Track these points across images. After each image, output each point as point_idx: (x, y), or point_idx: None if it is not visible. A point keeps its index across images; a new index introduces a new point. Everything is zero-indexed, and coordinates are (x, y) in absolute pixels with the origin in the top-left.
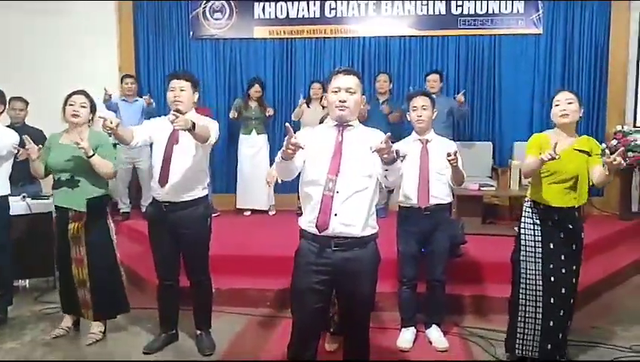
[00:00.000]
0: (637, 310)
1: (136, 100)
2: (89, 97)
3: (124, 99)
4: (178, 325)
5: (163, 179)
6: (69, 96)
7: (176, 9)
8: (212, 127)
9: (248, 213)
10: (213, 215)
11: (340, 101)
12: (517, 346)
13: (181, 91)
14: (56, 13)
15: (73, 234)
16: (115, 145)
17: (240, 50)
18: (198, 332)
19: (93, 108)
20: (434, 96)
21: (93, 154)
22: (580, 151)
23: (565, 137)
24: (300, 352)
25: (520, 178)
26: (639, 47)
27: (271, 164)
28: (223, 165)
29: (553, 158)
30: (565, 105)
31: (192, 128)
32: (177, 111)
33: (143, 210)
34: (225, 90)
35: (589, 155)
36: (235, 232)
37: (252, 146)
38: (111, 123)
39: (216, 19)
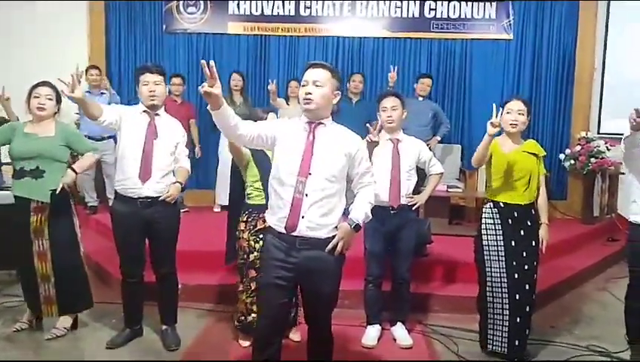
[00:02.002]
0: (594, 311)
1: (103, 93)
2: (54, 88)
3: (88, 91)
4: (143, 320)
5: (145, 175)
6: (34, 87)
7: (149, 3)
8: (186, 163)
9: (218, 208)
10: (183, 211)
11: (305, 93)
12: (488, 342)
13: (156, 85)
14: (25, 3)
15: (35, 226)
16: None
17: (214, 46)
18: (164, 327)
19: (58, 100)
20: (420, 99)
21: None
22: (529, 153)
23: (513, 143)
24: (265, 347)
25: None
26: (604, 56)
27: None
28: (200, 161)
29: (497, 125)
30: (516, 115)
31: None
32: (153, 106)
33: (110, 203)
34: (197, 85)
35: (537, 157)
36: (203, 228)
37: None
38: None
39: (190, 14)
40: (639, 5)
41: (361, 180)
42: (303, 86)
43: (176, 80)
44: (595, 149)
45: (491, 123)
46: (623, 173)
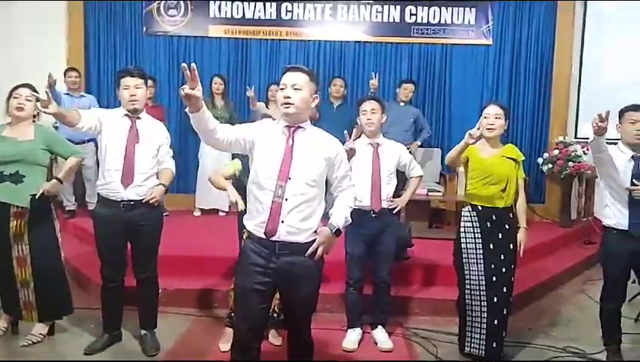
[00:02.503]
0: (572, 313)
1: (83, 96)
2: (35, 91)
3: (67, 93)
4: (123, 325)
5: (127, 180)
6: (14, 89)
7: (129, 4)
8: (170, 164)
9: (198, 213)
10: (164, 214)
11: (284, 97)
12: (466, 345)
13: (137, 89)
14: (2, 3)
15: (15, 232)
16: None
17: (194, 48)
18: (143, 332)
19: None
20: (402, 104)
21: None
22: (507, 157)
23: (491, 148)
24: (244, 352)
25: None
26: (581, 62)
27: None
28: (179, 165)
29: (475, 138)
30: (493, 119)
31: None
32: (134, 110)
33: (90, 207)
34: (178, 88)
35: (516, 161)
36: (184, 233)
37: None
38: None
39: (171, 16)
40: (615, 12)
41: (341, 184)
42: (282, 89)
43: (148, 82)
44: (573, 153)
45: (470, 134)
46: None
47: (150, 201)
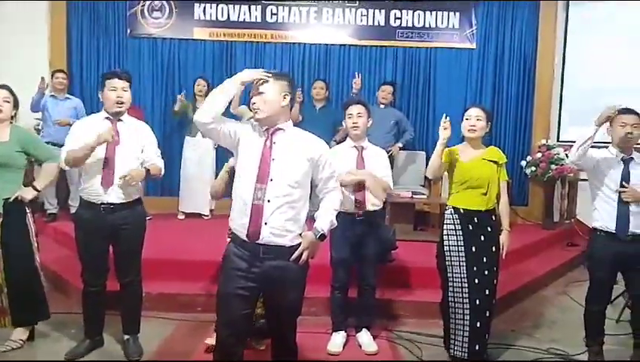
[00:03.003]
0: (554, 315)
1: (68, 98)
2: (12, 92)
3: (53, 95)
4: (105, 330)
5: (107, 182)
6: None
7: (112, 6)
8: (158, 162)
9: (182, 216)
10: (147, 218)
11: (252, 104)
12: (450, 347)
13: (123, 91)
14: None
15: None
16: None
17: (179, 51)
18: (126, 337)
19: (16, 104)
20: (382, 106)
21: None
22: (488, 160)
23: (473, 150)
24: (226, 357)
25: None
26: (563, 66)
27: (216, 169)
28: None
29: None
30: (474, 121)
31: (147, 175)
32: (118, 113)
33: (72, 210)
34: (162, 91)
35: (497, 164)
36: (167, 236)
37: (196, 149)
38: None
39: (155, 19)
40: (596, 17)
41: (326, 185)
42: (253, 95)
43: None
44: (555, 156)
45: (443, 126)
46: (585, 180)
47: (126, 179)
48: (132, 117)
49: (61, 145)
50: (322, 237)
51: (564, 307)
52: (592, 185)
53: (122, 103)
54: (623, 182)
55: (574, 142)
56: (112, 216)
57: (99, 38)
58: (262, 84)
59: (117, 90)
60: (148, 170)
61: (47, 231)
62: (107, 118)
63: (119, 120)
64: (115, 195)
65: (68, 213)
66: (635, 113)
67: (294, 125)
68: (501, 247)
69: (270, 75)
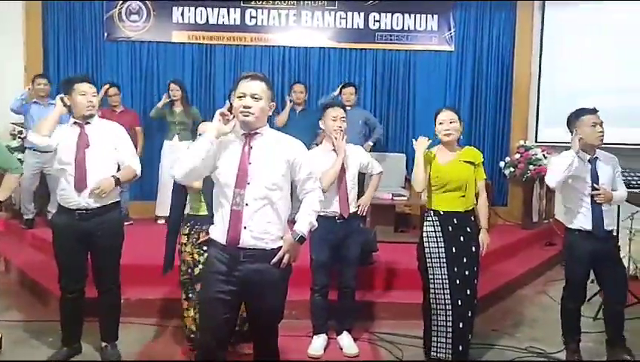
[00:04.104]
0: (534, 313)
1: (51, 104)
2: None
3: (36, 102)
4: (83, 337)
5: (80, 185)
6: None
7: (89, 9)
8: (133, 162)
9: (162, 221)
10: (127, 223)
11: (244, 107)
12: (432, 349)
13: (93, 96)
14: None
15: None
16: (24, 148)
17: (157, 54)
18: (104, 344)
19: None
20: (349, 108)
21: None
22: (465, 161)
23: (450, 152)
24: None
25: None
26: (540, 68)
27: None
28: (144, 172)
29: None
30: (448, 125)
31: (117, 183)
32: (89, 116)
33: (49, 217)
34: (141, 94)
35: (474, 164)
36: (147, 241)
37: (174, 153)
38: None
39: (133, 22)
40: (572, 19)
41: (304, 187)
42: (240, 98)
43: (112, 90)
44: (533, 157)
45: (419, 141)
46: None
47: (95, 192)
48: (121, 121)
49: (43, 152)
50: (302, 239)
51: (543, 306)
52: (563, 188)
53: (93, 107)
54: (594, 184)
55: (551, 142)
56: (88, 221)
57: (76, 42)
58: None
59: (87, 95)
60: (118, 179)
61: (26, 238)
62: (75, 122)
63: (87, 123)
64: (90, 200)
65: (45, 218)
66: (596, 110)
67: (279, 129)
68: (481, 245)
69: (265, 79)
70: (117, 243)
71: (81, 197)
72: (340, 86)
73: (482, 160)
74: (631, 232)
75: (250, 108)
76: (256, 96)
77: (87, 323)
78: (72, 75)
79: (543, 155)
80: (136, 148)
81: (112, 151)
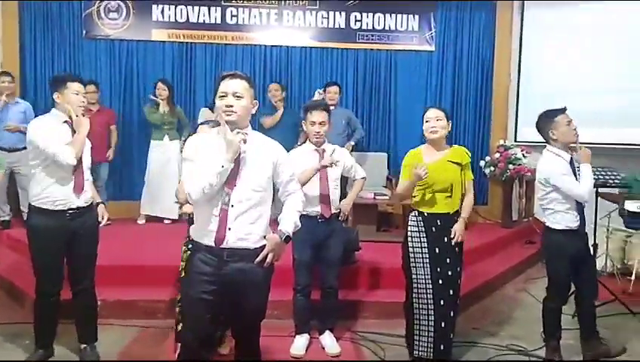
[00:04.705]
0: (513, 312)
1: (17, 102)
2: None
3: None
4: (60, 339)
5: (79, 188)
6: None
7: (67, 7)
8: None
9: (142, 221)
10: (105, 222)
11: (226, 106)
12: (415, 348)
13: (84, 96)
14: None
15: None
16: None
17: (137, 53)
18: (82, 346)
19: None
20: (332, 107)
21: None
22: (452, 162)
23: (436, 151)
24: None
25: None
26: (519, 68)
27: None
28: (123, 172)
29: (420, 178)
30: (434, 122)
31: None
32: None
33: (25, 217)
34: (120, 93)
35: (461, 165)
36: (126, 241)
37: (163, 153)
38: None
39: (112, 20)
40: (551, 20)
41: (287, 188)
42: (222, 97)
43: (90, 87)
44: (513, 156)
45: (416, 173)
46: None
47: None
48: (99, 119)
49: (11, 150)
50: (287, 239)
51: (523, 303)
52: (554, 193)
53: (84, 107)
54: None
55: (531, 142)
56: (75, 221)
57: (53, 40)
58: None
59: (79, 95)
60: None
61: (1, 239)
62: (66, 121)
63: None
64: (83, 199)
65: (21, 219)
66: (565, 109)
67: (263, 131)
68: (452, 232)
69: (246, 78)
70: (95, 242)
71: (79, 198)
72: (324, 85)
73: (470, 160)
74: (608, 230)
75: (232, 106)
76: (237, 95)
77: (62, 324)
78: (49, 73)
79: (523, 155)
80: (111, 147)
81: (88, 150)
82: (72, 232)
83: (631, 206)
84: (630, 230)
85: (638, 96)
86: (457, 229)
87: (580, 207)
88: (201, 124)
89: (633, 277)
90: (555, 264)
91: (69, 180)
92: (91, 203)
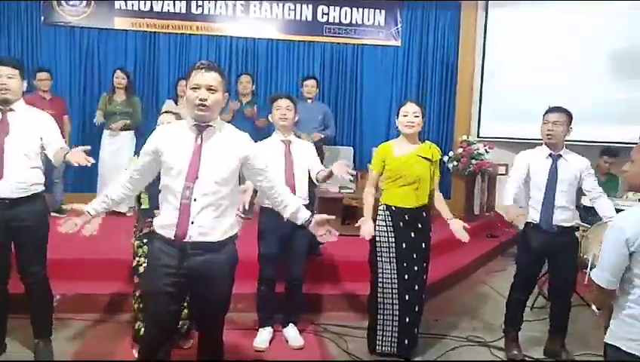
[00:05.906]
0: (474, 304)
1: None
2: None
3: None
4: (14, 334)
5: None
6: None
7: None
8: (57, 140)
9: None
10: (63, 216)
11: (199, 100)
12: (377, 343)
13: (8, 79)
14: None
15: None
16: None
17: (98, 41)
18: (36, 341)
19: None
20: (309, 101)
21: None
22: (422, 157)
23: (409, 144)
24: (152, 354)
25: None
26: (483, 64)
27: None
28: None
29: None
30: (412, 117)
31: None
32: (5, 101)
33: None
34: (80, 81)
35: (431, 161)
36: (82, 235)
37: (114, 143)
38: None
39: (72, 6)
40: (514, 18)
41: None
42: (195, 89)
43: (42, 75)
44: (476, 152)
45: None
46: (503, 175)
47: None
48: (49, 108)
49: None
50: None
51: (484, 296)
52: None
53: (7, 90)
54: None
55: (493, 138)
56: (9, 211)
57: (9, 26)
58: None
59: (1, 78)
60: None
61: None
62: None
63: (10, 110)
64: (9, 189)
65: None
66: (557, 111)
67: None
68: (457, 233)
69: (220, 71)
70: (42, 230)
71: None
72: (302, 79)
73: (440, 157)
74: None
75: (206, 100)
76: (212, 88)
77: (14, 319)
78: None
79: (485, 150)
80: (63, 138)
81: (37, 140)
82: (8, 223)
83: (586, 201)
84: (586, 225)
85: (599, 94)
86: (458, 231)
87: (547, 204)
88: (164, 112)
89: (588, 270)
90: (521, 255)
91: None
92: (31, 194)
